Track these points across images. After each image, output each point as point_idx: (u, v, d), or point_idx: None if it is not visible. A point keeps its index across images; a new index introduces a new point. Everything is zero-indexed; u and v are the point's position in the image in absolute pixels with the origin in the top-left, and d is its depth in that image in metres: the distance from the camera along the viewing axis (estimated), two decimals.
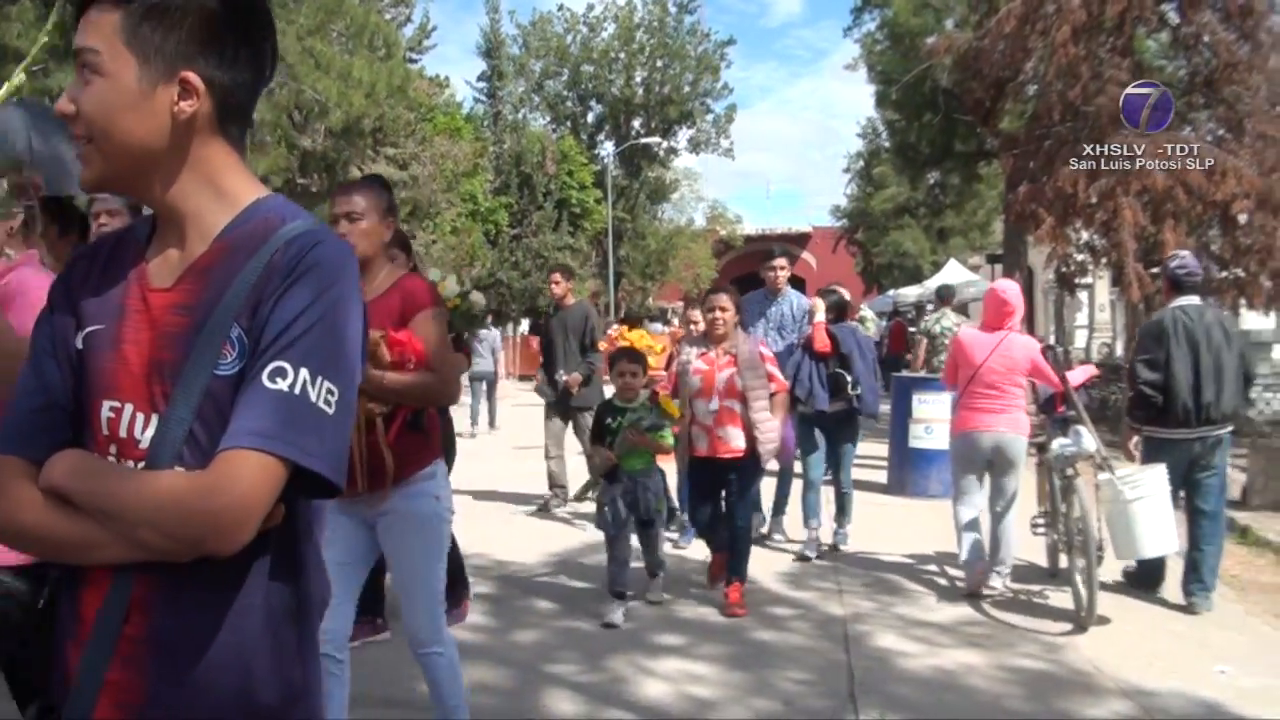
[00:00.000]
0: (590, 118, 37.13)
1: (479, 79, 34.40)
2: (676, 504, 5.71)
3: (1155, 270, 12.06)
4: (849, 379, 6.61)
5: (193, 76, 1.29)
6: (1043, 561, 6.26)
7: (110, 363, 1.29)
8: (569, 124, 36.06)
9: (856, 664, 4.70)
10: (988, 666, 4.65)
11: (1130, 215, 12.89)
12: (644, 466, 5.49)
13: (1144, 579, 5.86)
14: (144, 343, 1.28)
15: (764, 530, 7.23)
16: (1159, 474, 5.33)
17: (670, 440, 5.48)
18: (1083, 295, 20.08)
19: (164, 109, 1.29)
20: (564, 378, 8.04)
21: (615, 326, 10.90)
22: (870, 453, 10.95)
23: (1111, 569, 5.80)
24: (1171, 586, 5.76)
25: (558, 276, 8.63)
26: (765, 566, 6.35)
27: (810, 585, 6.09)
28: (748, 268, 34.21)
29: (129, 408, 1.27)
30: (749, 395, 5.39)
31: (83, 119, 1.28)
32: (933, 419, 8.99)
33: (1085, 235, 15.06)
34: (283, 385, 1.21)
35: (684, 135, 38.08)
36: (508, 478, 9.83)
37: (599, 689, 4.39)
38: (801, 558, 6.65)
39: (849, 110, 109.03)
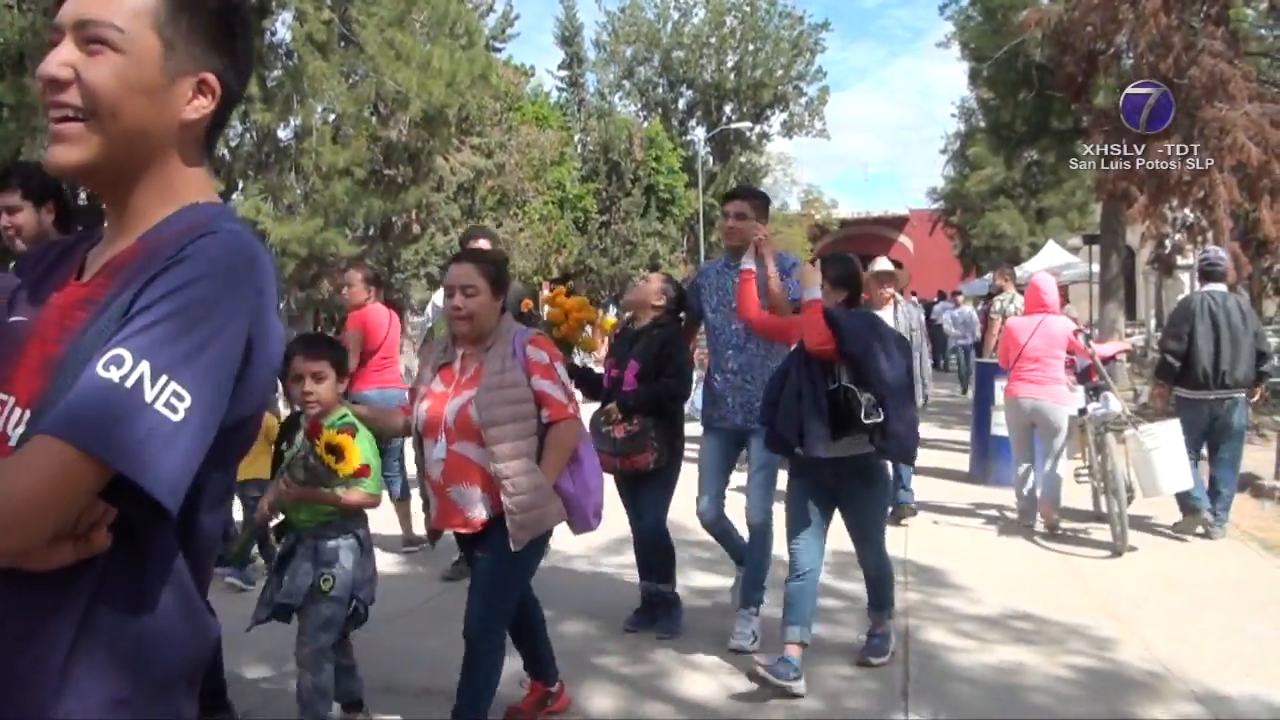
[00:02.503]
0: (681, 104, 37.12)
1: (560, 67, 34.69)
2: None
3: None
4: (862, 400, 3.93)
5: (212, 78, 1.25)
6: (1088, 505, 7.36)
7: (13, 354, 1.22)
8: (659, 110, 36.08)
9: (912, 661, 4.42)
10: (1044, 665, 4.38)
11: (1225, 192, 12.27)
12: (318, 521, 3.44)
13: (1186, 510, 6.83)
14: (46, 337, 1.21)
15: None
16: (1173, 427, 6.40)
17: (369, 488, 3.46)
18: (1184, 277, 19.18)
19: (178, 104, 1.23)
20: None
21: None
22: (953, 438, 10.85)
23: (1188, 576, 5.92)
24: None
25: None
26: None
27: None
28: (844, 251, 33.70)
29: (11, 400, 1.19)
30: (485, 433, 3.27)
31: (86, 92, 1.18)
32: None
33: (1182, 214, 14.40)
34: (114, 375, 1.06)
35: (777, 119, 37.85)
36: None
37: (639, 683, 4.19)
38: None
39: (947, 90, 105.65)
